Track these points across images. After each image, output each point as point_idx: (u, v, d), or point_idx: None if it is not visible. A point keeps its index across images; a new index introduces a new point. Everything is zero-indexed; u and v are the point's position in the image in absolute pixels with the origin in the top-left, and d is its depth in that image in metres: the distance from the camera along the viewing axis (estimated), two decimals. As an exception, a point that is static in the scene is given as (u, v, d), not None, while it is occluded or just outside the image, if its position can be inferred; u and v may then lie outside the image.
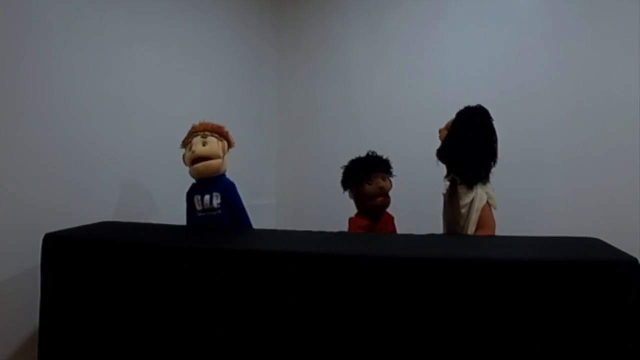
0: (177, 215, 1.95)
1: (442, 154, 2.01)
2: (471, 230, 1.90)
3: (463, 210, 1.91)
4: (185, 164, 1.89)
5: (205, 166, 1.82)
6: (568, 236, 1.62)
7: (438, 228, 2.08)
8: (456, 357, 1.31)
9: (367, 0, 3.08)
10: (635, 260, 1.25)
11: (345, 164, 2.26)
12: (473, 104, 2.05)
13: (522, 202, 2.19)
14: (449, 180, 2.01)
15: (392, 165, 2.28)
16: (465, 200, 1.92)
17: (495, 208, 1.96)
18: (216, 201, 1.84)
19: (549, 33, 2.52)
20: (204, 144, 1.84)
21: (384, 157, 2.24)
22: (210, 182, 1.86)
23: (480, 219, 1.89)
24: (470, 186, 1.90)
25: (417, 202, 2.78)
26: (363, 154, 2.27)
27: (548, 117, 2.49)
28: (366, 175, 2.15)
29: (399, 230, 2.34)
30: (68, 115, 1.98)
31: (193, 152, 1.82)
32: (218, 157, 1.86)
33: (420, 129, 2.86)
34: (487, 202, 1.91)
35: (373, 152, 2.25)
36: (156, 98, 2.42)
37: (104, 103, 2.13)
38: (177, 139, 1.92)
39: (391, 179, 2.24)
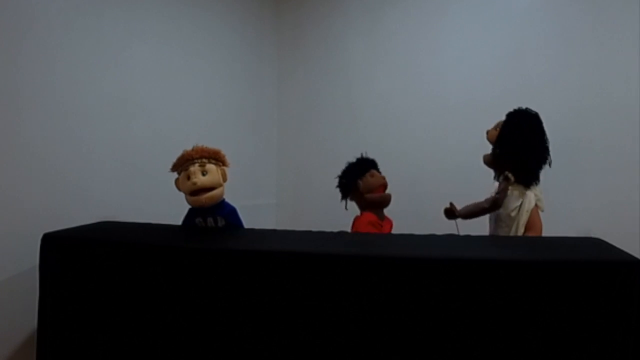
0: (176, 216, 1.94)
1: (502, 155, 2.02)
2: (520, 231, 1.95)
3: (513, 214, 1.97)
4: (180, 190, 1.81)
5: (209, 198, 1.75)
6: (570, 236, 1.62)
7: (438, 228, 2.06)
8: (457, 357, 1.30)
9: (367, -1, 3.08)
10: (638, 260, 1.25)
11: (339, 173, 2.33)
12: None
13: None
14: (501, 182, 2.03)
15: (391, 162, 2.33)
16: (515, 203, 1.97)
17: (542, 210, 2.02)
18: (221, 223, 1.81)
19: (550, 32, 2.51)
20: (203, 173, 1.74)
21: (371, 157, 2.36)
22: (211, 208, 1.80)
23: (529, 220, 1.95)
24: (528, 186, 1.97)
25: (418, 202, 2.77)
26: (363, 153, 2.33)
27: (549, 117, 2.46)
28: (367, 170, 2.25)
29: (398, 231, 2.34)
30: (66, 115, 1.97)
31: (194, 183, 1.72)
32: (220, 185, 1.79)
33: (420, 127, 2.87)
34: (536, 204, 1.98)
35: (365, 155, 2.34)
36: (155, 97, 2.41)
37: (102, 102, 2.12)
38: (176, 138, 1.91)
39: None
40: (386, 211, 2.31)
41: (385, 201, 2.24)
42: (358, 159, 2.32)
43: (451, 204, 2.09)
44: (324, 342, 1.38)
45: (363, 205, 2.24)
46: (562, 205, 2.47)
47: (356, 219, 2.21)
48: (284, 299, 1.41)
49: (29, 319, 1.77)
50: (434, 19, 2.84)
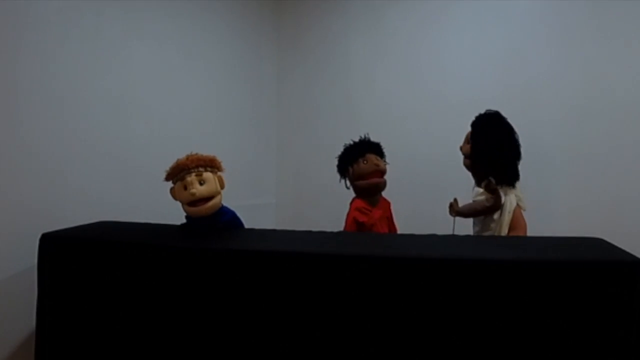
0: (176, 216, 1.93)
1: (478, 161, 2.05)
2: (504, 231, 1.97)
3: (495, 216, 2.00)
4: (176, 199, 1.78)
5: (209, 208, 1.74)
6: (571, 236, 1.61)
7: (438, 228, 2.06)
8: (458, 357, 1.29)
9: (367, -2, 3.07)
10: (639, 260, 1.24)
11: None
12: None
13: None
14: (482, 187, 2.04)
15: (392, 162, 2.29)
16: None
17: (524, 210, 2.04)
18: None
19: (551, 30, 2.50)
20: (201, 183, 1.72)
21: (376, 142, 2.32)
22: (210, 216, 1.78)
23: (512, 220, 1.98)
24: (512, 185, 2.01)
25: (418, 202, 2.76)
26: (364, 135, 2.31)
27: (551, 116, 2.48)
28: (361, 154, 2.22)
29: (399, 229, 2.33)
30: (65, 114, 1.96)
31: (193, 194, 1.69)
32: (218, 193, 1.77)
33: (421, 127, 2.86)
34: (518, 204, 2.01)
35: (366, 136, 2.31)
36: (154, 96, 2.41)
37: (101, 101, 2.11)
38: (176, 138, 1.90)
39: (386, 163, 2.27)
40: (388, 197, 2.29)
41: (374, 188, 2.20)
42: (354, 142, 2.29)
43: (455, 200, 2.09)
44: (324, 342, 1.37)
45: (354, 191, 2.25)
46: (563, 204, 2.47)
47: (349, 204, 2.22)
48: (284, 299, 1.40)
49: (27, 319, 1.76)
50: (434, 19, 2.83)
